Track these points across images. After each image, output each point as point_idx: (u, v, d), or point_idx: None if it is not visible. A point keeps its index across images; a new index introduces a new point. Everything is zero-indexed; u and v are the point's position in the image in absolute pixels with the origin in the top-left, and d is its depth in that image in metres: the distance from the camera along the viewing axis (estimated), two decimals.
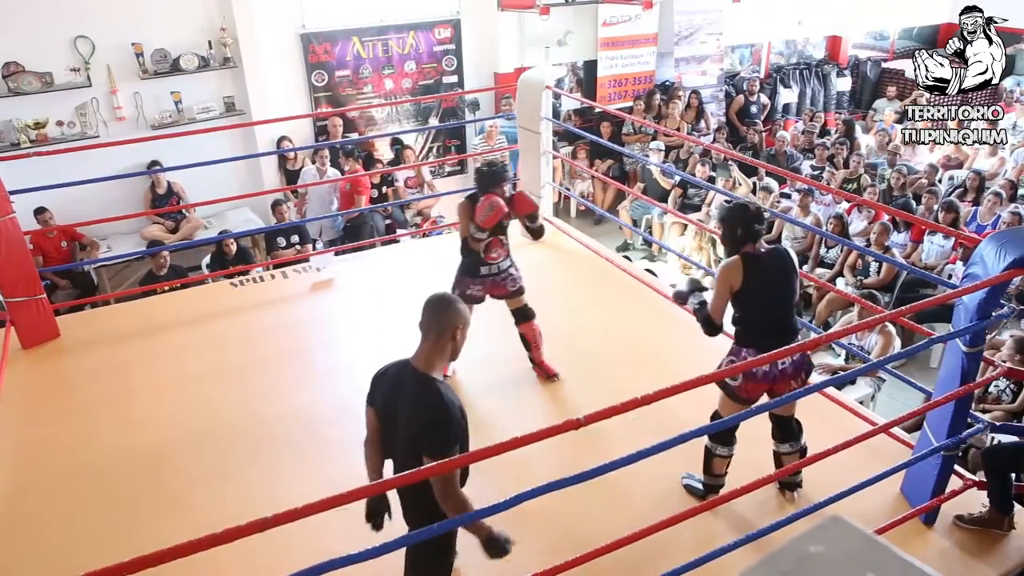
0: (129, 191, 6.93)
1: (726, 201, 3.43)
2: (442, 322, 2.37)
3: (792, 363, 3.05)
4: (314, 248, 7.27)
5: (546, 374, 4.19)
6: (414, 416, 2.32)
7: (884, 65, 11.66)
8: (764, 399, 3.11)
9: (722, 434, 3.20)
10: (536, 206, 4.05)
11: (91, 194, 6.05)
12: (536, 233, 4.16)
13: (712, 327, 3.17)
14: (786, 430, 3.23)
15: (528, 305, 4.13)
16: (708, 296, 3.25)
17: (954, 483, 3.23)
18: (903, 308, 3.05)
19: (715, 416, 3.20)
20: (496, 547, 2.35)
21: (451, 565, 2.60)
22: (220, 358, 4.51)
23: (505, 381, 4.26)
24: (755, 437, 3.25)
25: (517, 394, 4.18)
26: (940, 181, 8.18)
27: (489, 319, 4.49)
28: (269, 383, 4.27)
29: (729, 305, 3.15)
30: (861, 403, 4.54)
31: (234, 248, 6.62)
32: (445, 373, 3.23)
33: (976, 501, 3.21)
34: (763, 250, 3.07)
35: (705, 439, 3.23)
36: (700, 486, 3.34)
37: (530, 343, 4.16)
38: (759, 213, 3.08)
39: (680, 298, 3.42)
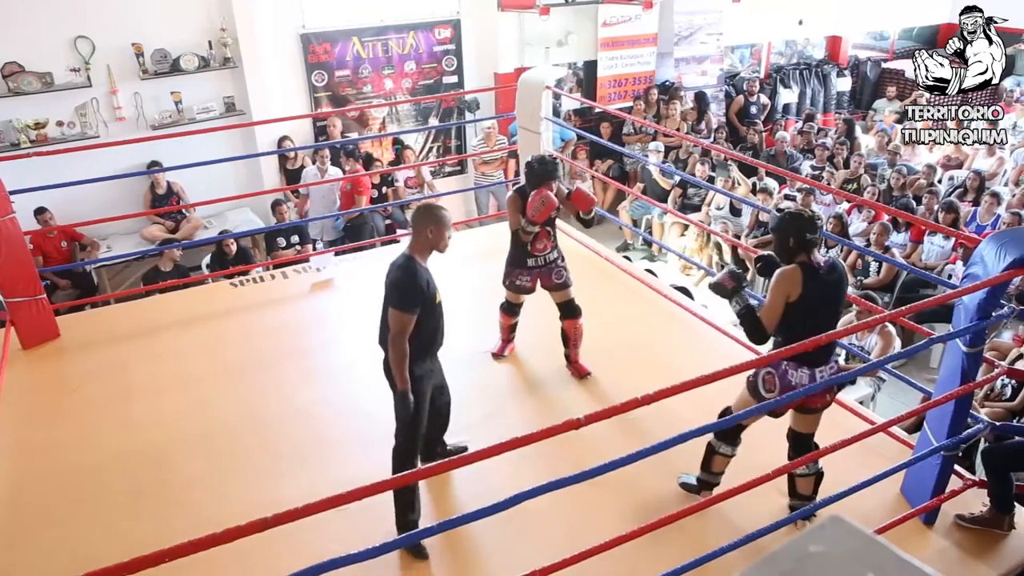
0: (129, 191, 6.93)
1: (778, 210, 3.32)
2: (420, 222, 3.12)
3: (831, 374, 2.98)
4: (314, 248, 7.27)
5: (578, 372, 4.23)
6: (388, 278, 3.08)
7: (884, 65, 11.67)
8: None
9: (729, 432, 3.17)
10: (591, 204, 4.09)
11: (91, 194, 6.05)
12: (588, 223, 4.24)
13: (761, 334, 2.98)
14: (802, 450, 3.11)
15: (575, 301, 4.16)
16: (750, 298, 3.12)
17: (954, 483, 3.23)
18: (903, 308, 3.05)
19: (725, 413, 3.14)
20: (403, 404, 3.00)
21: (420, 423, 3.20)
22: (220, 358, 4.51)
23: (506, 381, 4.26)
24: (756, 439, 3.24)
25: (518, 393, 4.18)
26: (940, 181, 8.17)
27: (482, 318, 4.49)
28: (269, 383, 4.27)
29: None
30: (861, 403, 4.55)
31: (234, 248, 6.62)
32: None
33: (976, 501, 3.21)
34: (822, 262, 2.96)
35: (710, 435, 3.20)
36: (695, 481, 3.32)
37: (570, 339, 4.20)
38: (812, 222, 2.95)
39: (719, 292, 3.13)
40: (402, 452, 3.18)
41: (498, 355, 4.42)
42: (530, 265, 4.10)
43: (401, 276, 3.03)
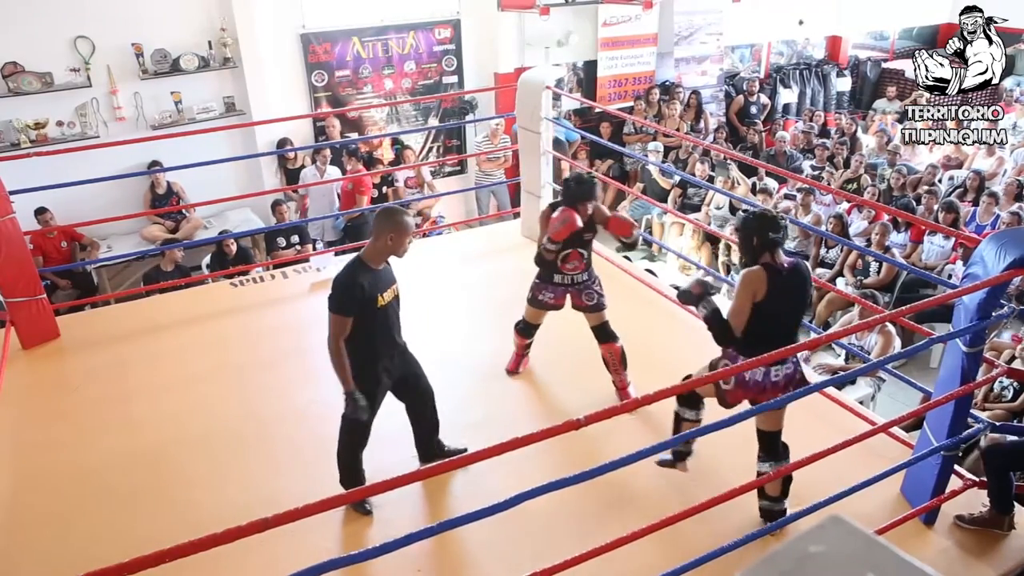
0: (129, 191, 6.93)
1: (743, 210, 3.33)
2: (379, 227, 3.09)
3: (784, 376, 2.99)
4: (314, 248, 7.27)
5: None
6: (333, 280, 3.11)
7: (884, 65, 11.66)
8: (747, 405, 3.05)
9: (688, 397, 3.15)
10: (631, 230, 3.99)
11: (91, 194, 6.05)
12: (631, 247, 4.12)
13: (729, 337, 2.99)
14: (770, 448, 3.09)
15: (609, 324, 3.99)
16: (718, 301, 3.12)
17: (954, 483, 3.23)
18: (903, 308, 3.05)
19: (687, 378, 3.07)
20: (351, 404, 3.12)
21: (366, 427, 3.27)
22: (220, 358, 4.51)
23: (506, 382, 4.26)
24: (754, 438, 3.24)
25: (518, 394, 4.18)
26: (940, 181, 8.18)
27: (484, 322, 4.49)
28: (269, 383, 4.27)
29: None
30: (861, 403, 4.54)
31: (234, 248, 6.62)
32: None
33: (976, 501, 3.21)
34: (785, 264, 2.96)
35: (674, 404, 3.19)
36: (670, 455, 3.30)
37: (609, 365, 4.02)
38: (775, 221, 2.96)
39: (686, 299, 3.14)
40: (343, 453, 3.29)
41: (512, 371, 4.30)
42: (556, 281, 3.96)
43: (338, 279, 3.06)
